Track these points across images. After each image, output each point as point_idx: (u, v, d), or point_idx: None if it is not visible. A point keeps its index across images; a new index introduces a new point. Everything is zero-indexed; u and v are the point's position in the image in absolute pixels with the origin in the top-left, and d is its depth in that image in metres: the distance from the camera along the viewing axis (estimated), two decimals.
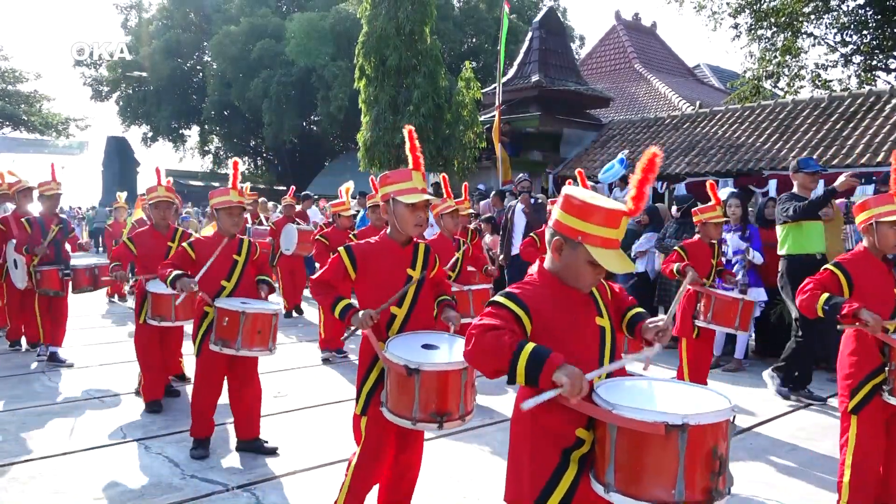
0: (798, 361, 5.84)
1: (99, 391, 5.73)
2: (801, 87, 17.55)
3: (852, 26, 17.03)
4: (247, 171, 38.64)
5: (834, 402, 5.75)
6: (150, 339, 5.22)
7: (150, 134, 35.83)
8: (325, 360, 6.99)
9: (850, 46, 17.38)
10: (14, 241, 6.58)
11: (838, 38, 17.42)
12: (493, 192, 10.55)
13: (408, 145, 3.16)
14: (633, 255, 7.89)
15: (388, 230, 3.12)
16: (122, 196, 11.72)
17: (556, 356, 1.89)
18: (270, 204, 13.86)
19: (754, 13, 17.56)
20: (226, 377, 4.29)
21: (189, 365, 5.84)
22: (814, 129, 11.18)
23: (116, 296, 11.19)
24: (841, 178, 5.84)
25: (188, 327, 5.75)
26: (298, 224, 9.51)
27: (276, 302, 4.36)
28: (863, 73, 17.21)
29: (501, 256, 8.52)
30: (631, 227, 7.67)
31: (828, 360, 6.77)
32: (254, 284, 4.37)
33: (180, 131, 36.62)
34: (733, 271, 6.33)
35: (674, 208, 7.81)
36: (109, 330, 8.67)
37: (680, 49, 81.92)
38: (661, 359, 6.45)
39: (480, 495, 3.77)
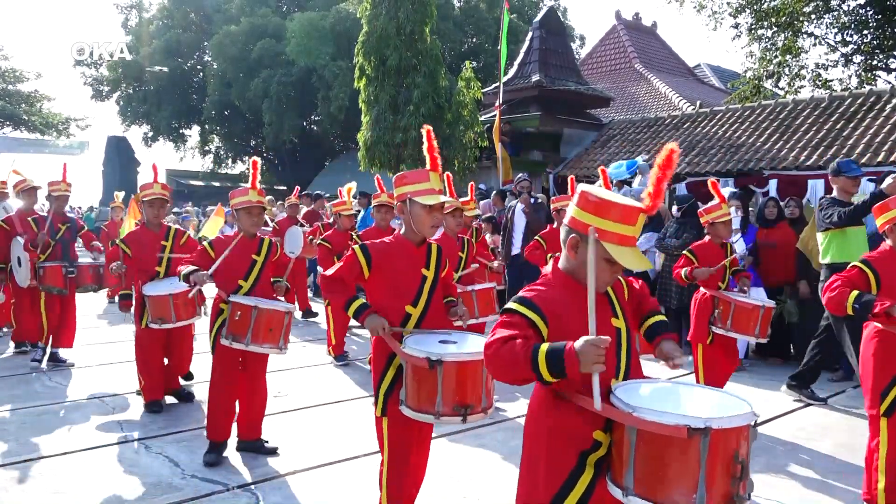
0: (819, 365, 5.72)
1: (99, 391, 5.73)
2: (802, 86, 17.55)
3: (853, 26, 17.01)
4: (247, 171, 38.60)
5: (835, 402, 5.75)
6: (151, 343, 5.16)
7: (150, 134, 35.81)
8: (345, 364, 6.92)
9: (851, 46, 17.37)
10: (19, 238, 6.53)
11: (839, 38, 17.41)
12: (494, 192, 10.56)
13: (425, 145, 3.14)
14: None
15: (403, 230, 3.14)
16: (119, 195, 11.69)
17: (569, 346, 1.86)
18: (278, 203, 13.76)
19: (755, 13, 17.54)
20: None
21: (196, 364, 5.86)
22: (814, 128, 11.18)
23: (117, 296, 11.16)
24: (888, 181, 5.64)
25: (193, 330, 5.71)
26: (303, 225, 9.40)
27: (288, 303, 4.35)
28: (863, 73, 17.20)
29: (500, 259, 8.52)
30: None
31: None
32: (270, 286, 4.37)
33: (181, 131, 36.59)
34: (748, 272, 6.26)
35: (674, 208, 7.81)
36: (109, 330, 8.67)
37: (680, 49, 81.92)
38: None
39: (480, 495, 3.77)
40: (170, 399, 5.43)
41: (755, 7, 17.45)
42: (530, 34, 16.24)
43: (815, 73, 17.63)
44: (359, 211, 10.25)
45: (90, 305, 10.06)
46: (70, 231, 6.68)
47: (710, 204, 5.16)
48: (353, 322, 7.16)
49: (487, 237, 9.05)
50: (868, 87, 12.83)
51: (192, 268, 4.06)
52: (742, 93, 17.99)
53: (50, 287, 6.39)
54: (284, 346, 4.12)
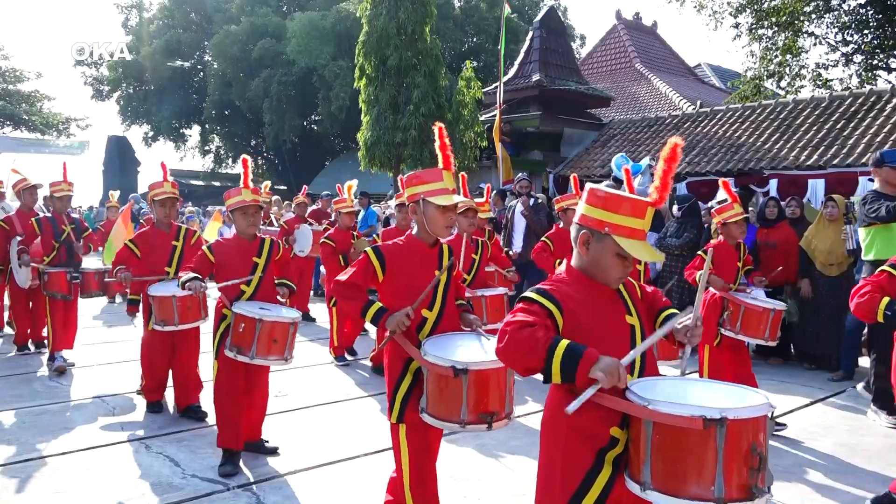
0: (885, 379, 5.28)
1: (99, 391, 5.73)
2: (802, 86, 17.54)
3: (853, 26, 17.01)
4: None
5: (835, 402, 5.75)
6: (157, 346, 5.03)
7: (150, 133, 35.86)
8: (345, 364, 6.90)
9: (851, 46, 17.36)
10: (18, 238, 6.46)
11: (839, 38, 17.40)
12: (494, 192, 10.55)
13: (437, 143, 3.06)
14: None
15: (415, 230, 3.08)
16: (114, 195, 11.68)
17: (591, 352, 1.86)
18: (285, 203, 13.70)
19: (755, 13, 17.54)
20: None
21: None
22: (815, 128, 11.18)
23: (118, 296, 11.16)
24: None
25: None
26: (311, 224, 9.34)
27: (294, 310, 4.23)
28: (864, 73, 17.19)
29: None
30: None
31: (826, 360, 6.78)
32: (274, 287, 4.26)
33: (181, 131, 36.64)
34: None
35: (675, 207, 7.81)
36: (109, 330, 8.67)
37: (681, 48, 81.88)
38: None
39: (480, 495, 3.76)
40: (170, 400, 5.41)
41: (755, 7, 17.45)
42: (531, 34, 16.24)
43: (815, 73, 17.63)
44: (358, 210, 10.23)
45: (90, 305, 10.06)
46: (75, 232, 6.53)
47: (721, 204, 5.08)
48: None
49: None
50: (868, 87, 12.83)
51: (191, 275, 3.95)
52: (742, 92, 17.99)
53: (54, 293, 6.27)
54: (290, 357, 4.00)
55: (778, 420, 5.02)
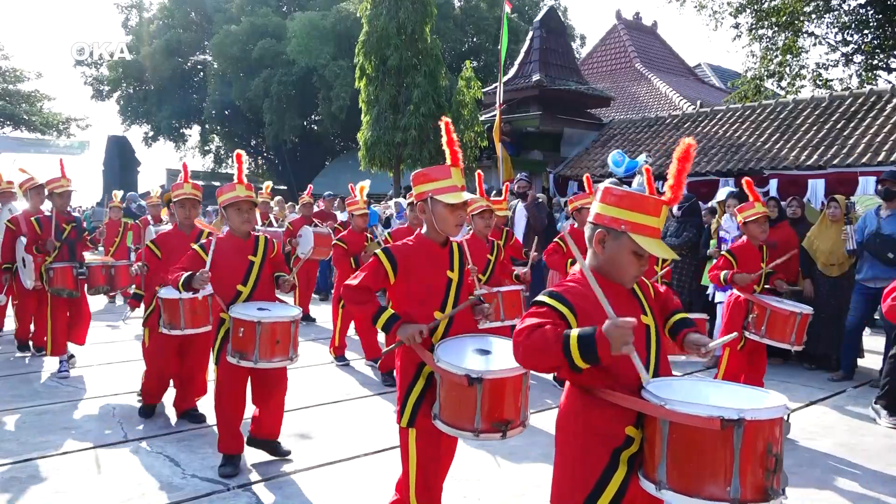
0: None
1: (99, 391, 5.73)
2: (802, 86, 17.56)
3: (853, 26, 17.02)
4: (248, 171, 38.58)
5: (835, 402, 5.75)
6: (164, 350, 4.84)
7: (150, 133, 35.85)
8: (345, 364, 6.88)
9: (851, 46, 17.37)
10: (23, 238, 6.36)
11: (839, 38, 17.41)
12: (494, 192, 10.54)
13: (444, 139, 2.97)
14: None
15: (425, 230, 2.98)
16: (117, 195, 11.63)
17: (599, 330, 1.87)
18: (288, 204, 13.67)
19: (755, 13, 17.55)
20: (250, 377, 4.04)
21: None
22: (815, 128, 11.18)
23: (118, 296, 11.15)
24: None
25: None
26: (316, 225, 9.30)
27: (294, 307, 4.12)
28: (864, 73, 17.20)
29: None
30: None
31: (826, 360, 6.78)
32: (272, 286, 4.10)
33: (181, 131, 36.62)
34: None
35: (674, 207, 7.81)
36: (109, 330, 8.66)
37: (681, 48, 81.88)
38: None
39: (481, 495, 3.76)
40: (170, 400, 5.40)
41: (756, 7, 17.46)
42: (531, 34, 16.25)
43: (815, 73, 17.66)
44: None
45: (90, 305, 10.05)
46: (76, 231, 6.38)
47: (743, 203, 4.98)
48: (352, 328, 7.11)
49: None
50: (868, 87, 12.83)
51: (188, 274, 3.74)
52: (742, 92, 18.00)
53: (60, 290, 6.09)
54: (295, 356, 3.88)
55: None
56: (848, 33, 17.23)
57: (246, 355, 3.69)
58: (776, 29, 17.44)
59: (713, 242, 7.32)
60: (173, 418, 5.02)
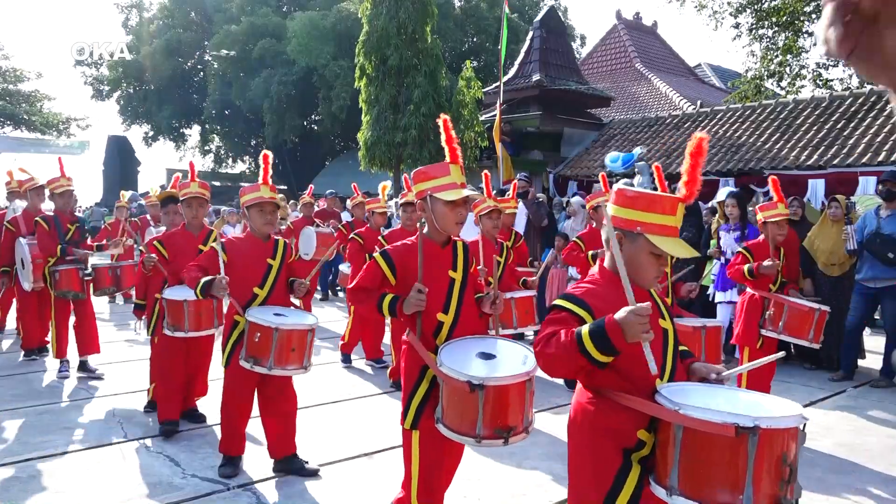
0: None
1: (99, 391, 5.73)
2: (803, 86, 17.56)
3: None
4: (247, 171, 38.68)
5: (835, 402, 5.75)
6: (170, 353, 4.70)
7: (150, 133, 35.89)
8: (348, 365, 6.86)
9: None
10: (22, 239, 6.28)
11: None
12: (494, 192, 10.54)
13: (443, 137, 2.95)
14: None
15: (426, 229, 2.92)
16: (125, 195, 11.54)
17: (609, 319, 1.86)
18: (290, 203, 13.66)
19: (755, 13, 17.55)
20: (257, 389, 3.96)
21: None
22: (815, 128, 11.18)
23: (119, 297, 11.13)
24: None
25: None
26: (318, 225, 9.30)
27: (310, 315, 4.04)
28: None
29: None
30: None
31: (826, 360, 6.78)
32: (287, 291, 4.00)
33: (181, 130, 36.66)
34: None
35: None
36: (109, 330, 8.66)
37: (681, 48, 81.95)
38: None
39: (481, 495, 3.76)
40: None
41: (756, 7, 17.46)
42: (531, 34, 16.25)
43: (815, 73, 17.65)
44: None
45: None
46: (79, 231, 6.24)
47: (765, 202, 4.89)
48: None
49: None
50: (869, 87, 12.83)
51: (207, 279, 3.66)
52: (743, 92, 18.00)
53: (66, 292, 5.96)
54: (309, 364, 3.78)
55: None
56: None
57: (260, 361, 3.63)
58: (776, 29, 17.45)
59: (713, 242, 7.32)
60: None
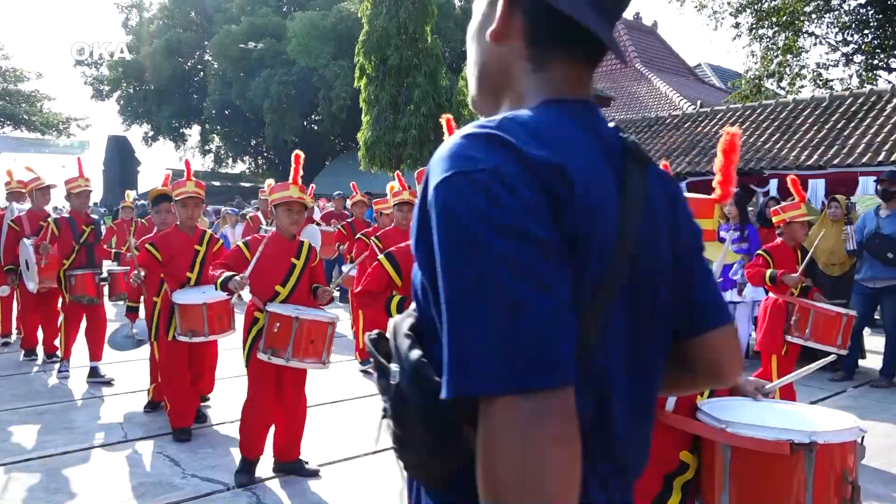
0: None
1: (99, 390, 5.73)
2: (803, 86, 17.56)
3: (853, 26, 17.01)
4: (247, 171, 38.70)
5: (835, 402, 5.75)
6: (176, 356, 4.60)
7: (150, 133, 35.90)
8: (365, 372, 6.66)
9: (852, 46, 17.37)
10: (27, 240, 6.21)
11: (839, 38, 17.41)
12: None
13: (446, 136, 2.97)
14: None
15: None
16: (130, 194, 11.42)
17: None
18: None
19: (755, 13, 17.55)
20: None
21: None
22: (815, 128, 11.17)
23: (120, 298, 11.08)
24: None
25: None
26: (320, 225, 9.29)
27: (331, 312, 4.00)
28: (864, 73, 17.20)
29: None
30: None
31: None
32: (310, 292, 3.97)
33: (181, 130, 36.67)
34: (730, 274, 6.17)
35: None
36: (110, 329, 8.65)
37: (681, 48, 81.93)
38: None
39: None
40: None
41: (756, 7, 17.46)
42: None
43: (815, 73, 17.66)
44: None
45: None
46: (94, 233, 6.11)
47: (786, 202, 4.71)
48: None
49: None
50: (869, 87, 12.83)
51: (228, 273, 3.65)
52: (743, 92, 18.00)
53: (80, 296, 5.84)
54: (327, 360, 3.76)
55: None
56: (848, 33, 17.23)
57: (278, 352, 3.60)
58: (776, 29, 17.44)
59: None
60: None
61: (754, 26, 17.77)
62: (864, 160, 9.64)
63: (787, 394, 4.26)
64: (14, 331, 7.71)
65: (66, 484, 3.81)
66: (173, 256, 4.59)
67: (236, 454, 4.27)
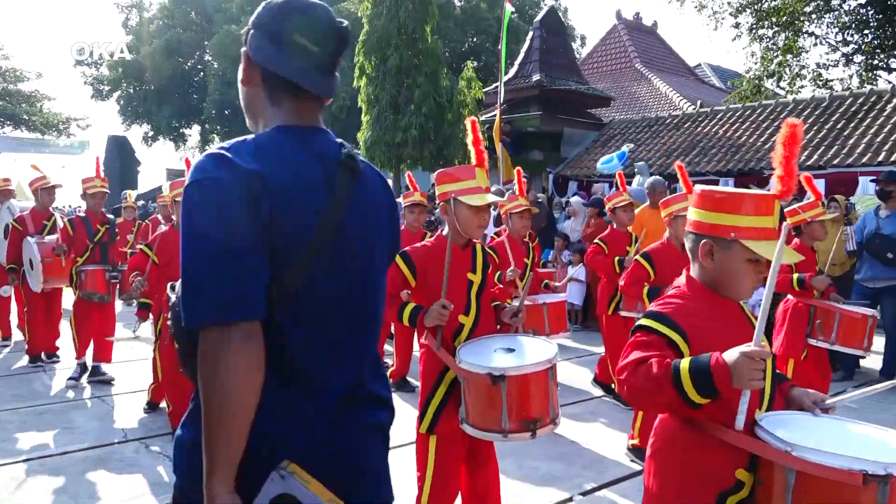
0: None
1: (99, 391, 5.73)
2: (803, 86, 17.57)
3: (853, 26, 17.02)
4: None
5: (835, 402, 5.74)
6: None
7: (150, 133, 35.87)
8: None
9: (852, 46, 17.38)
10: (30, 238, 6.17)
11: (839, 38, 17.42)
12: (495, 189, 10.53)
13: (470, 138, 2.90)
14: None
15: (446, 231, 2.89)
16: (132, 194, 11.38)
17: (716, 358, 1.62)
18: None
19: (755, 13, 17.56)
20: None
21: None
22: (815, 128, 11.17)
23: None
24: None
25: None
26: None
27: None
28: (864, 73, 17.21)
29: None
30: None
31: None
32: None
33: (181, 130, 36.64)
34: None
35: None
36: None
37: (681, 48, 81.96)
38: None
39: None
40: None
41: (756, 7, 17.48)
42: (531, 34, 16.23)
43: (815, 73, 17.67)
44: None
45: None
46: (109, 233, 6.04)
47: (804, 201, 4.57)
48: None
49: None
50: (869, 87, 12.83)
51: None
52: (742, 92, 18.00)
53: (91, 294, 5.78)
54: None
55: None
56: (848, 33, 17.24)
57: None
58: (776, 29, 17.45)
59: None
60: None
61: (754, 26, 17.78)
62: (863, 160, 9.65)
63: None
64: (14, 331, 7.69)
65: (66, 484, 3.81)
66: (173, 257, 4.53)
67: None
